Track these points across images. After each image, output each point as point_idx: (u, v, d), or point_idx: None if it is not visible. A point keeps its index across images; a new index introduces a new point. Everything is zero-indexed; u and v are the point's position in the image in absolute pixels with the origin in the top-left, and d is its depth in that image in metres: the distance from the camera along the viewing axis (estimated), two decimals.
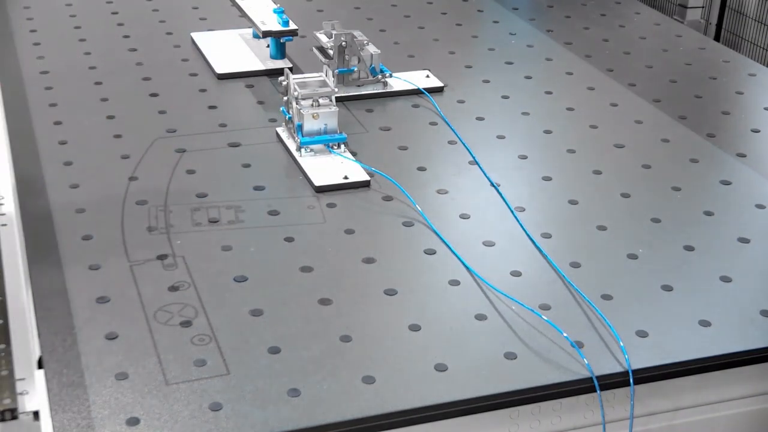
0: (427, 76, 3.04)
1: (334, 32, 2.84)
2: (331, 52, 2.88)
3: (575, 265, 2.20)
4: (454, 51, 3.30)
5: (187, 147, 2.62)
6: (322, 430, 1.74)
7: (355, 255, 2.22)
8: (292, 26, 3.04)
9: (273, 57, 3.12)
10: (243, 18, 3.20)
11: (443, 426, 1.83)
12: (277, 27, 3.02)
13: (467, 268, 2.16)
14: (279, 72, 2.85)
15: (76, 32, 3.31)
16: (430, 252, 2.23)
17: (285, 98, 2.66)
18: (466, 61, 3.23)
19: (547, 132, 2.81)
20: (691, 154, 2.70)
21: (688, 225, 2.38)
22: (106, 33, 3.32)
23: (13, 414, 1.73)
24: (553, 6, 3.73)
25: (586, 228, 2.36)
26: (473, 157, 2.63)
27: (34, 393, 1.82)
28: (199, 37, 3.28)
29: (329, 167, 2.53)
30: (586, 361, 1.89)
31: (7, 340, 1.90)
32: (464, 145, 2.69)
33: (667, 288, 2.14)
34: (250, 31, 3.24)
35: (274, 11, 3.06)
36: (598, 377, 1.89)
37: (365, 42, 2.92)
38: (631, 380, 1.88)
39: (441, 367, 1.88)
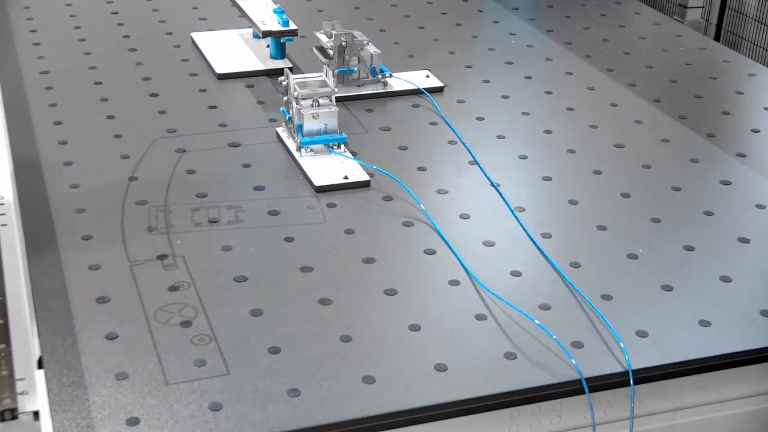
0: (427, 76, 3.04)
1: (334, 32, 2.84)
2: (331, 52, 2.88)
3: (575, 265, 2.20)
4: (454, 51, 3.30)
5: (187, 147, 2.62)
6: (322, 430, 1.74)
7: (355, 255, 2.22)
8: (292, 26, 3.04)
9: (273, 57, 3.12)
10: (243, 18, 3.20)
11: (443, 426, 1.83)
12: (277, 27, 3.02)
13: (466, 270, 2.16)
14: (279, 72, 2.85)
15: (76, 32, 3.31)
16: (430, 252, 2.23)
17: (285, 98, 2.66)
18: (466, 61, 3.23)
19: (547, 132, 2.81)
20: (691, 154, 2.70)
21: (688, 225, 2.38)
22: (106, 33, 3.32)
23: (13, 414, 1.73)
24: (553, 6, 3.73)
25: (586, 228, 2.36)
26: (473, 157, 2.63)
27: (34, 393, 1.81)
28: (199, 37, 3.28)
29: (329, 167, 2.53)
30: (573, 362, 1.89)
31: (7, 340, 1.90)
32: (464, 145, 2.69)
33: (667, 288, 2.14)
34: (250, 31, 3.24)
35: (274, 11, 3.06)
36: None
37: (365, 42, 2.92)
38: (631, 380, 1.88)
39: (441, 367, 1.88)
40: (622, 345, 1.94)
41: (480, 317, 2.02)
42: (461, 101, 2.95)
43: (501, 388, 1.84)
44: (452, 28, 3.50)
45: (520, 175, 2.59)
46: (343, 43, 2.84)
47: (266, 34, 3.02)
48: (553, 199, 2.49)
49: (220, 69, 3.06)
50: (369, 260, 2.20)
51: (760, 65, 3.37)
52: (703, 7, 4.64)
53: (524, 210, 2.41)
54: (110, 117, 2.77)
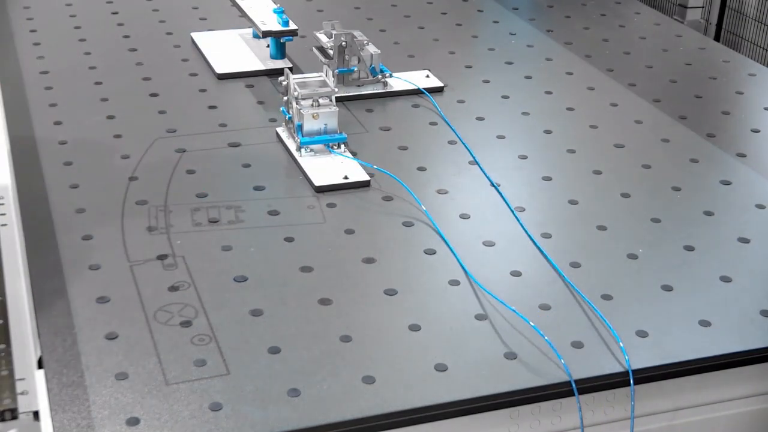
0: (427, 76, 3.04)
1: (334, 32, 2.84)
2: (331, 52, 2.88)
3: (575, 265, 2.20)
4: (454, 51, 3.30)
5: (187, 147, 2.62)
6: (322, 430, 1.74)
7: (355, 255, 2.22)
8: (292, 26, 3.04)
9: (273, 57, 3.12)
10: (243, 18, 3.20)
11: (443, 426, 1.83)
12: (277, 27, 3.02)
13: (465, 270, 2.16)
14: (279, 72, 2.85)
15: (76, 32, 3.31)
16: (430, 252, 2.23)
17: (285, 98, 2.66)
18: (466, 61, 3.23)
19: (547, 132, 2.81)
20: (691, 154, 2.70)
21: (688, 225, 2.38)
22: (106, 33, 3.32)
23: (13, 414, 1.73)
24: (553, 6, 3.73)
25: (586, 228, 2.36)
26: (473, 157, 2.63)
27: (34, 393, 1.82)
28: (199, 37, 3.28)
29: (329, 167, 2.53)
30: (563, 361, 1.89)
31: (7, 340, 1.90)
32: (464, 145, 2.69)
33: (667, 288, 2.14)
34: (250, 31, 3.24)
35: (274, 11, 3.06)
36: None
37: (365, 42, 2.92)
38: (632, 380, 1.88)
39: (441, 367, 1.88)
40: (621, 344, 1.94)
41: (480, 317, 2.02)
42: (461, 101, 2.95)
43: (501, 388, 1.84)
44: (452, 28, 3.50)
45: (520, 175, 2.59)
46: (343, 43, 2.84)
47: (266, 34, 3.02)
48: (553, 199, 2.49)
49: (220, 69, 3.06)
50: (369, 260, 2.20)
51: (760, 65, 3.37)
52: (703, 7, 4.65)
53: (524, 210, 2.41)
54: (110, 117, 2.77)
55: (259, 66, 3.09)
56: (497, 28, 3.53)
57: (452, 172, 2.58)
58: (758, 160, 2.69)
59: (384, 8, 3.63)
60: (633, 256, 2.25)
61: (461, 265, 2.18)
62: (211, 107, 2.87)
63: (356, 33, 2.89)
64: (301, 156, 2.57)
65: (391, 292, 2.09)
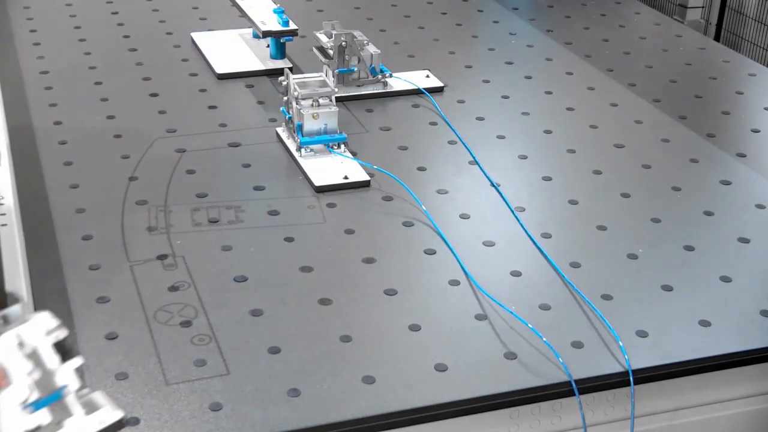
0: (427, 76, 3.04)
1: (334, 32, 2.84)
2: (331, 52, 2.88)
3: (575, 265, 2.20)
4: (454, 51, 3.30)
5: (187, 147, 2.62)
6: (322, 430, 1.74)
7: (355, 255, 2.22)
8: (292, 26, 3.04)
9: (273, 57, 3.12)
10: (243, 18, 3.20)
11: (443, 426, 1.83)
12: (277, 27, 3.02)
13: (464, 271, 2.16)
14: (279, 72, 2.85)
15: (76, 32, 3.31)
16: (430, 252, 2.23)
17: (285, 98, 2.66)
18: (466, 61, 3.23)
19: (547, 132, 2.81)
20: (691, 154, 2.70)
21: (688, 225, 2.38)
22: (106, 33, 3.32)
23: None
24: (553, 6, 3.73)
25: (586, 228, 2.36)
26: (473, 157, 2.63)
27: None
28: (199, 37, 3.28)
29: (329, 167, 2.53)
30: (561, 360, 1.89)
31: None
32: (464, 145, 2.69)
33: (667, 288, 2.14)
34: (250, 31, 3.24)
35: (274, 11, 3.06)
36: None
37: (365, 42, 2.92)
38: (632, 380, 1.88)
39: (441, 367, 1.88)
40: (621, 344, 1.94)
41: (480, 317, 2.02)
42: (461, 101, 2.95)
43: (501, 388, 1.84)
44: (452, 28, 3.50)
45: (520, 175, 2.59)
46: (343, 43, 2.84)
47: (266, 34, 3.02)
48: (553, 199, 2.49)
49: (220, 69, 3.06)
50: (369, 260, 2.20)
51: (760, 65, 3.37)
52: (703, 7, 4.65)
53: (524, 210, 2.41)
54: (110, 117, 2.77)
55: (259, 66, 3.09)
56: (497, 28, 3.53)
57: (452, 172, 2.58)
58: (758, 160, 2.69)
59: (384, 8, 3.63)
60: (633, 256, 2.25)
61: (461, 265, 2.18)
62: (211, 107, 2.87)
63: (356, 33, 2.89)
64: (301, 156, 2.57)
65: (391, 292, 2.10)
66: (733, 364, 1.98)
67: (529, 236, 2.30)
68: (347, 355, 1.91)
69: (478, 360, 1.91)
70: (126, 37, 3.30)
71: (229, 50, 3.19)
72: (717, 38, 4.59)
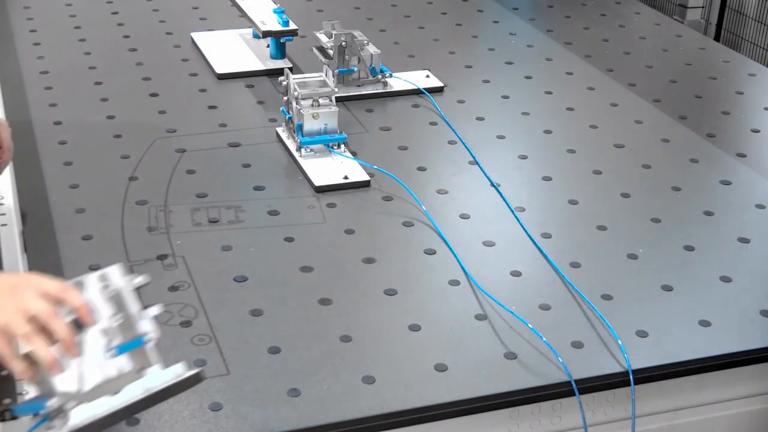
0: (427, 76, 3.04)
1: (334, 32, 2.84)
2: (331, 52, 2.88)
3: (575, 265, 2.20)
4: (454, 51, 3.30)
5: (187, 147, 2.62)
6: (322, 430, 1.74)
7: (355, 255, 2.22)
8: (292, 26, 3.04)
9: (273, 57, 3.12)
10: (243, 18, 3.20)
11: (443, 426, 1.83)
12: (277, 27, 3.02)
13: (464, 271, 2.16)
14: (279, 72, 2.85)
15: (76, 32, 3.31)
16: (430, 252, 2.23)
17: (285, 98, 2.66)
18: (466, 61, 3.23)
19: (547, 132, 2.81)
20: (691, 154, 2.70)
21: (688, 225, 2.38)
22: (106, 33, 3.32)
23: (12, 414, 1.72)
24: (553, 6, 3.73)
25: (586, 228, 2.36)
26: (473, 157, 2.63)
27: (34, 393, 1.81)
28: (199, 37, 3.28)
29: (329, 167, 2.53)
30: (561, 360, 1.89)
31: None
32: (464, 145, 2.69)
33: (667, 288, 2.14)
34: (250, 31, 3.24)
35: (274, 11, 3.06)
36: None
37: (365, 42, 2.92)
38: (632, 380, 1.88)
39: (441, 367, 1.88)
40: (620, 343, 1.94)
41: (480, 317, 2.02)
42: (461, 101, 2.95)
43: (501, 388, 1.84)
44: (452, 28, 3.50)
45: (520, 175, 2.59)
46: (343, 43, 2.84)
47: (266, 34, 3.02)
48: (553, 199, 2.49)
49: (220, 69, 3.06)
50: (369, 260, 2.20)
51: (760, 65, 3.37)
52: (703, 7, 4.65)
53: (524, 210, 2.41)
54: (110, 117, 2.77)
55: (259, 66, 3.09)
56: (497, 28, 3.53)
57: (452, 172, 2.58)
58: (758, 160, 2.69)
59: (384, 8, 3.64)
60: (633, 256, 2.25)
61: (461, 265, 2.18)
62: (211, 107, 2.87)
63: (356, 33, 2.89)
64: (301, 156, 2.57)
65: (391, 292, 2.10)
66: (733, 364, 1.98)
67: (529, 236, 2.30)
68: (347, 355, 1.91)
69: (478, 360, 1.91)
70: (126, 37, 3.30)
71: (229, 50, 3.19)
72: (717, 38, 4.59)
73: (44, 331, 1.46)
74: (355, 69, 2.91)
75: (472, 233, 2.32)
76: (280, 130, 2.70)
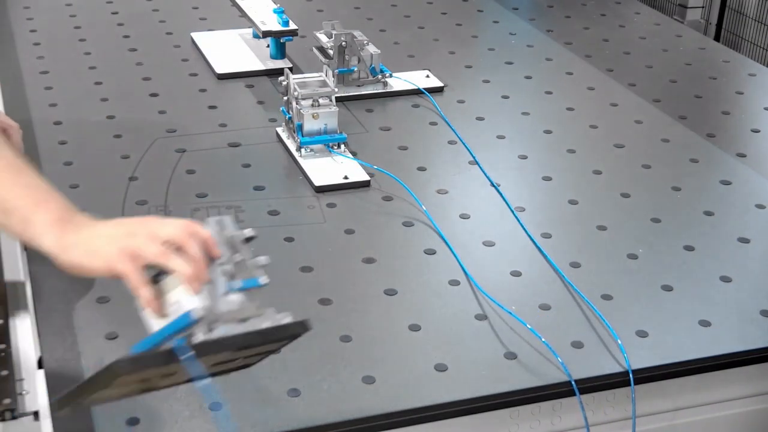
0: (427, 76, 3.04)
1: (334, 32, 2.84)
2: (331, 52, 2.88)
3: (575, 265, 2.20)
4: (454, 51, 3.30)
5: (187, 147, 2.62)
6: (322, 430, 1.74)
7: (355, 255, 2.22)
8: (292, 26, 3.04)
9: (273, 57, 3.12)
10: (243, 18, 3.20)
11: (443, 426, 1.83)
12: (277, 27, 3.02)
13: (464, 271, 2.16)
14: (279, 72, 2.85)
15: (76, 32, 3.31)
16: (430, 252, 2.23)
17: (285, 98, 2.66)
18: (466, 61, 3.23)
19: (547, 132, 2.81)
20: (691, 154, 2.70)
21: (688, 225, 2.38)
22: (106, 33, 3.32)
23: (13, 414, 1.73)
24: (553, 6, 3.73)
25: (586, 228, 2.36)
26: (473, 157, 2.63)
27: (34, 393, 1.82)
28: (199, 37, 3.28)
29: (329, 167, 2.53)
30: (560, 360, 1.89)
31: (7, 340, 1.90)
32: (464, 145, 2.69)
33: (667, 288, 2.14)
34: (250, 31, 3.24)
35: (274, 11, 3.06)
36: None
37: (365, 42, 2.92)
38: (632, 380, 1.88)
39: (441, 367, 1.88)
40: (620, 342, 1.94)
41: (480, 317, 2.02)
42: (461, 101, 2.95)
43: (501, 388, 1.84)
44: (452, 28, 3.50)
45: (520, 175, 2.59)
46: (343, 43, 2.84)
47: (266, 34, 3.02)
48: (553, 199, 2.49)
49: (220, 69, 3.06)
50: (369, 260, 2.20)
51: (760, 65, 3.37)
52: (703, 7, 4.65)
53: (524, 210, 2.41)
54: (110, 117, 2.77)
55: (259, 66, 3.09)
56: (497, 28, 3.53)
57: (452, 172, 2.58)
58: (758, 160, 2.69)
59: (384, 8, 3.63)
60: (633, 256, 2.25)
61: (461, 265, 2.18)
62: (211, 107, 2.87)
63: (356, 33, 2.89)
64: (301, 156, 2.57)
65: (391, 292, 2.09)
66: (733, 364, 1.98)
67: (529, 236, 2.30)
68: (347, 355, 1.91)
69: (478, 360, 1.91)
70: (126, 37, 3.30)
71: (229, 50, 3.19)
72: (717, 38, 4.59)
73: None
74: (355, 69, 2.91)
75: (472, 233, 2.32)
76: (280, 130, 2.70)
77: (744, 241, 2.32)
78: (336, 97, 2.63)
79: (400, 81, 2.98)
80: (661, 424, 2.00)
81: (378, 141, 2.72)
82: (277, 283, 2.10)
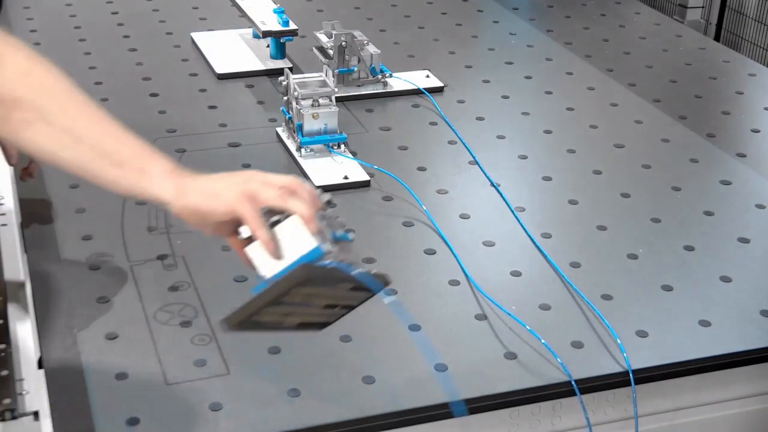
0: (427, 76, 3.04)
1: (334, 32, 2.84)
2: (331, 52, 2.88)
3: (575, 265, 2.20)
4: (454, 51, 3.30)
5: (187, 147, 2.62)
6: (322, 430, 1.74)
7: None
8: (292, 26, 3.04)
9: (273, 57, 3.12)
10: (243, 18, 3.20)
11: (443, 426, 1.83)
12: (277, 27, 3.02)
13: (464, 271, 2.16)
14: (279, 72, 2.85)
15: (76, 32, 3.31)
16: (430, 252, 2.23)
17: (285, 98, 2.66)
18: (466, 61, 3.23)
19: (547, 132, 2.81)
20: (691, 154, 2.70)
21: (688, 225, 2.38)
22: (106, 33, 3.32)
23: (13, 414, 1.73)
24: (553, 6, 3.73)
25: (586, 228, 2.36)
26: (473, 157, 2.63)
27: (34, 393, 1.82)
28: (199, 37, 3.28)
29: (329, 167, 2.53)
30: (560, 361, 1.89)
31: (7, 340, 1.90)
32: (464, 145, 2.69)
33: (667, 288, 2.14)
34: (250, 31, 3.24)
35: (274, 11, 3.06)
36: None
37: (365, 42, 2.92)
38: (632, 380, 1.88)
39: (441, 367, 1.88)
40: (619, 341, 1.94)
41: (480, 317, 2.02)
42: (461, 101, 2.95)
43: (501, 388, 1.84)
44: (452, 28, 3.50)
45: (520, 175, 2.59)
46: (343, 43, 2.84)
47: (266, 34, 3.02)
48: (553, 199, 2.49)
49: (220, 69, 3.06)
50: (369, 260, 2.20)
51: (760, 65, 3.37)
52: (703, 7, 4.65)
53: (524, 210, 2.41)
54: None
55: (259, 66, 3.09)
56: (497, 28, 3.53)
57: (452, 172, 2.58)
58: (758, 160, 2.69)
59: (384, 8, 3.64)
60: (633, 256, 2.25)
61: (461, 265, 2.18)
62: (211, 107, 2.87)
63: (356, 33, 2.89)
64: (301, 156, 2.57)
65: (391, 292, 2.09)
66: (733, 364, 1.98)
67: (529, 236, 2.30)
68: (347, 355, 1.91)
69: (478, 360, 1.91)
70: (126, 37, 3.30)
71: (229, 50, 3.19)
72: (717, 38, 4.59)
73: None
74: (355, 69, 2.91)
75: (472, 233, 2.32)
76: (280, 130, 2.70)
77: (744, 241, 2.32)
78: (336, 97, 2.63)
79: (400, 81, 2.98)
80: (661, 424, 2.00)
81: (378, 141, 2.72)
82: None
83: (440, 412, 1.81)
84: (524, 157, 2.66)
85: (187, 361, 1.87)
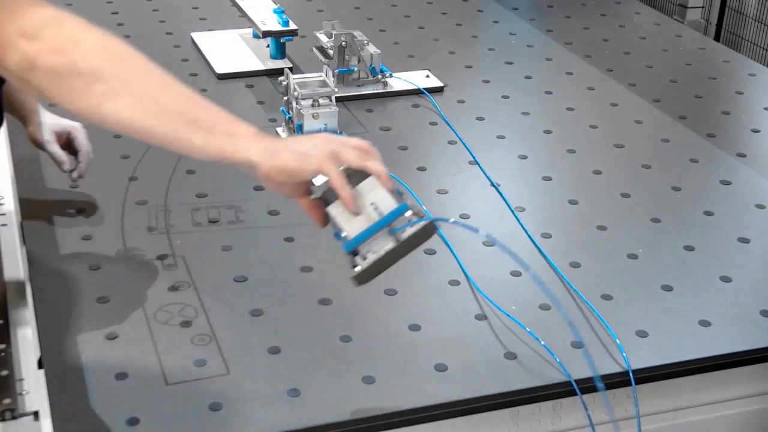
0: (427, 76, 3.04)
1: (334, 32, 2.84)
2: (331, 52, 2.88)
3: (575, 265, 2.20)
4: (454, 51, 3.30)
5: None
6: (322, 430, 1.74)
7: None
8: (292, 26, 3.04)
9: (273, 57, 3.12)
10: (243, 18, 3.20)
11: (443, 426, 1.83)
12: (277, 27, 3.02)
13: (464, 271, 2.16)
14: (279, 72, 2.85)
15: None
16: (430, 252, 2.23)
17: (285, 98, 2.66)
18: (466, 61, 3.23)
19: (547, 132, 2.81)
20: (691, 154, 2.70)
21: (688, 225, 2.38)
22: None
23: (13, 414, 1.73)
24: (553, 6, 3.73)
25: (586, 228, 2.36)
26: (473, 157, 2.63)
27: (34, 393, 1.82)
28: (199, 37, 3.28)
29: None
30: (558, 360, 1.89)
31: (7, 340, 1.91)
32: (464, 145, 2.69)
33: (667, 288, 2.14)
34: (250, 31, 3.24)
35: (274, 11, 3.06)
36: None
37: (365, 42, 2.92)
38: (632, 380, 1.88)
39: (441, 367, 1.88)
40: (618, 342, 1.94)
41: (480, 317, 2.02)
42: (461, 101, 2.95)
43: (501, 388, 1.84)
44: (452, 28, 3.50)
45: (520, 175, 2.59)
46: (343, 43, 2.84)
47: (266, 34, 3.02)
48: (553, 199, 2.49)
49: (220, 69, 3.06)
50: None
51: (760, 65, 3.37)
52: (703, 7, 4.65)
53: (524, 210, 2.41)
54: None
55: (259, 66, 3.09)
56: (497, 28, 3.53)
57: (452, 172, 2.58)
58: (758, 160, 2.69)
59: (384, 8, 3.64)
60: (633, 256, 2.25)
61: (461, 265, 2.18)
62: None
63: (356, 33, 2.89)
64: None
65: (391, 292, 2.09)
66: (733, 364, 1.98)
67: (529, 236, 2.30)
68: (347, 355, 1.91)
69: (478, 360, 1.91)
70: (126, 37, 3.26)
71: (229, 50, 3.19)
72: (717, 38, 4.60)
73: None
74: (355, 69, 2.91)
75: (473, 233, 2.31)
76: (280, 130, 2.70)
77: (744, 241, 2.32)
78: (336, 97, 2.63)
79: (400, 81, 2.98)
80: (661, 424, 2.00)
81: (378, 141, 2.71)
82: (277, 283, 2.12)
83: (440, 412, 1.81)
84: (524, 157, 2.66)
85: (187, 361, 1.87)
